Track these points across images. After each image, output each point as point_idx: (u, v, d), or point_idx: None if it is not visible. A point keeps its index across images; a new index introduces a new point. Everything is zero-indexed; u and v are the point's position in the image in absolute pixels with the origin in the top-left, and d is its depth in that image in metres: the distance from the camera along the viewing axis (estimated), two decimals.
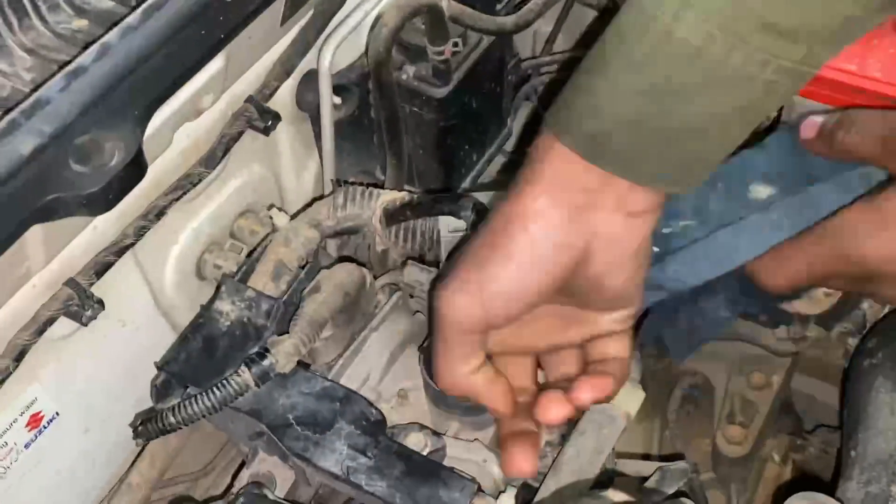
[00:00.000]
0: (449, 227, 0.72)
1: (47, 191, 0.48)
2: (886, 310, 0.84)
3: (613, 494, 0.41)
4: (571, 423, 0.73)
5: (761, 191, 0.70)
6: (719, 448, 0.96)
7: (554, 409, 0.59)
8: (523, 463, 0.61)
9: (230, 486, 0.73)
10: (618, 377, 0.61)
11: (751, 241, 0.68)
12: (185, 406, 0.64)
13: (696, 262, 0.70)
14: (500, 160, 0.99)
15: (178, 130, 0.69)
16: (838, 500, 0.65)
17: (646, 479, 0.70)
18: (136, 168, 0.51)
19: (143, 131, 0.53)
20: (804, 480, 0.94)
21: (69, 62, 0.49)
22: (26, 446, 0.70)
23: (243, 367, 0.64)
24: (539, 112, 1.00)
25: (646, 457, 0.98)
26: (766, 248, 0.67)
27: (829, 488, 0.70)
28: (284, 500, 0.69)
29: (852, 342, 0.90)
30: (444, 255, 0.73)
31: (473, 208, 0.71)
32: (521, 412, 0.62)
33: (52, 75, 0.49)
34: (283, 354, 0.65)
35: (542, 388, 0.64)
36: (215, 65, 0.65)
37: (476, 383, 0.59)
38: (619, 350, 0.62)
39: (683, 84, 0.50)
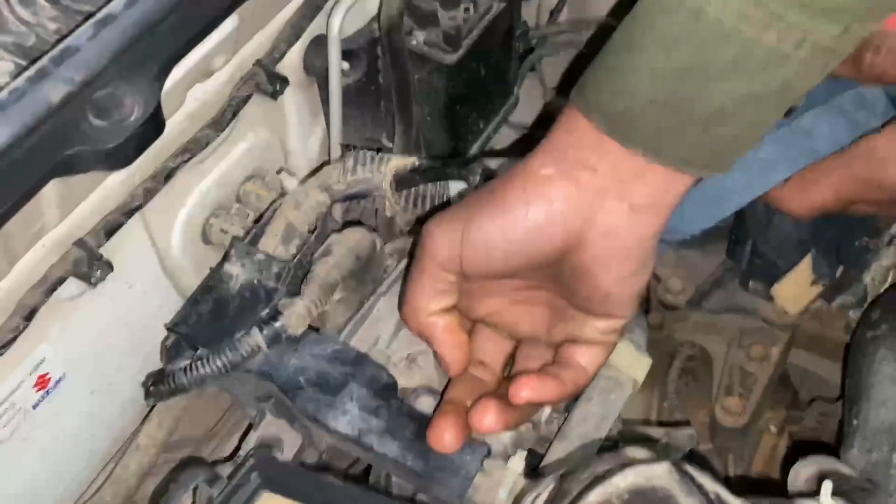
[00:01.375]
0: (459, 192, 0.72)
1: (68, 144, 0.48)
2: (888, 283, 0.85)
3: (633, 451, 0.41)
4: None
5: None
6: (717, 419, 0.97)
7: (488, 418, 0.58)
8: (445, 437, 0.59)
9: (237, 448, 0.73)
10: (569, 388, 0.59)
11: (744, 184, 0.68)
12: (196, 367, 0.64)
13: (689, 212, 0.69)
14: (505, 131, 0.99)
15: (189, 91, 0.68)
16: None
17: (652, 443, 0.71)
18: (154, 124, 0.50)
19: (161, 87, 0.52)
20: (807, 445, 0.95)
21: (94, 12, 0.48)
22: (34, 407, 0.70)
23: (254, 329, 0.64)
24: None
25: (648, 422, 0.99)
26: (761, 191, 0.67)
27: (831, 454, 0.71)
28: (292, 462, 0.69)
29: (853, 315, 0.91)
30: None
31: (482, 174, 0.71)
32: (471, 386, 0.62)
33: (78, 25, 0.48)
34: (294, 317, 0.65)
35: (506, 378, 0.63)
36: (229, 24, 0.64)
37: (435, 324, 0.59)
38: (588, 362, 0.60)
39: (715, 64, 0.49)
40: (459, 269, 0.57)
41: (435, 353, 0.69)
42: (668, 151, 0.52)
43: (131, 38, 0.48)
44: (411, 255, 0.74)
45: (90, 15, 0.48)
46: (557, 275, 0.57)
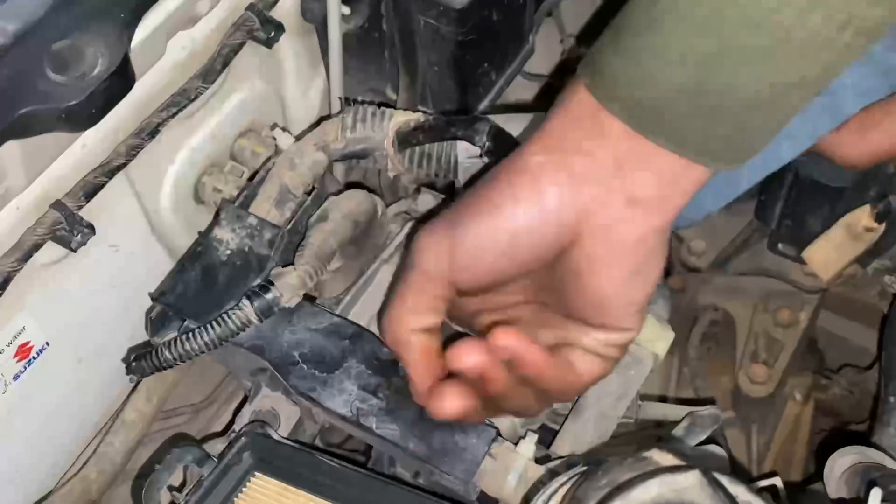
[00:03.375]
0: (468, 152, 0.66)
1: (20, 103, 0.42)
2: None
3: (659, 456, 0.36)
4: None
5: None
6: (741, 387, 0.92)
7: (448, 401, 0.51)
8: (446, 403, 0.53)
9: (231, 422, 0.69)
10: (551, 374, 0.51)
11: (758, 161, 0.61)
12: (181, 341, 0.59)
13: (698, 195, 0.63)
14: (520, 82, 0.92)
15: (172, 39, 0.62)
16: (876, 446, 0.62)
17: (674, 424, 0.66)
18: (121, 78, 0.45)
19: (130, 37, 0.46)
20: (839, 433, 0.91)
21: None
22: (15, 378, 0.66)
23: (245, 301, 0.60)
24: None
25: (663, 399, 0.95)
26: (776, 167, 0.61)
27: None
28: (288, 438, 0.65)
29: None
30: (461, 183, 0.67)
31: (489, 133, 0.64)
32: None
33: None
34: (287, 287, 0.60)
35: None
36: None
37: (411, 343, 0.53)
38: (583, 368, 0.52)
39: (750, 50, 0.44)
40: (448, 283, 0.51)
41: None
42: (693, 144, 0.46)
43: None
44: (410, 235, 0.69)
45: None
46: (552, 283, 0.51)
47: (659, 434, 0.73)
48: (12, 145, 0.47)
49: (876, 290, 0.90)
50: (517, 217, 0.48)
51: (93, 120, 0.46)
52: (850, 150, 0.60)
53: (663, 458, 0.36)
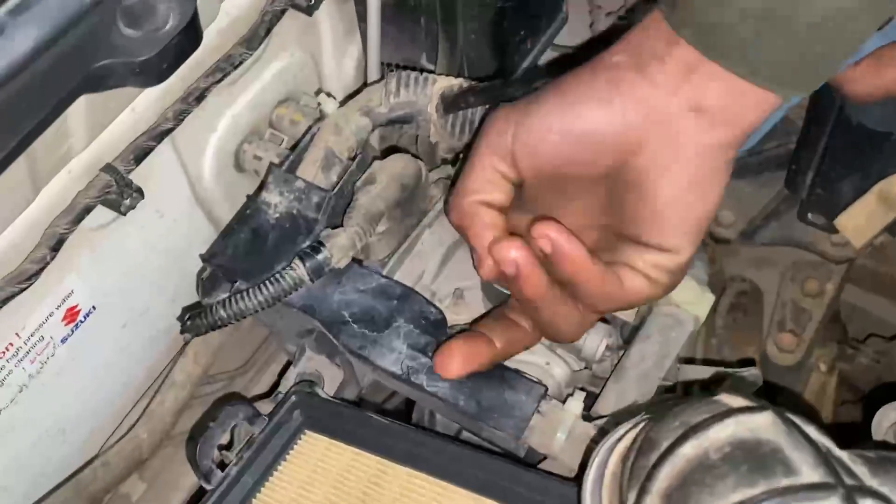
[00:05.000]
0: None
1: (98, 56, 0.43)
2: None
3: (729, 398, 0.37)
4: (635, 327, 0.70)
5: None
6: (769, 356, 0.93)
7: (455, 363, 0.53)
8: (450, 363, 0.56)
9: (276, 384, 0.70)
10: (597, 286, 0.51)
11: None
12: (236, 300, 0.60)
13: None
14: (549, 54, 0.93)
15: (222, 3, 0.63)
16: None
17: (715, 384, 0.67)
18: (191, 34, 0.46)
19: None
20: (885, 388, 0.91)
21: None
22: (63, 341, 0.67)
23: (297, 261, 0.61)
24: None
25: (689, 362, 0.96)
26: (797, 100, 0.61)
27: None
28: (334, 398, 0.66)
29: None
30: None
31: None
32: (506, 330, 0.58)
33: None
34: (338, 248, 0.61)
35: None
36: None
37: (476, 214, 0.53)
38: (630, 285, 0.52)
39: None
40: (511, 161, 0.52)
41: (484, 286, 0.65)
42: (759, 68, 0.47)
43: None
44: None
45: None
46: (609, 200, 0.52)
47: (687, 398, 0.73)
48: (79, 104, 0.48)
49: None
50: (586, 109, 0.49)
51: (164, 75, 0.46)
52: (861, 86, 0.61)
53: (733, 400, 0.37)
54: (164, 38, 0.44)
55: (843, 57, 0.48)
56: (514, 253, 0.50)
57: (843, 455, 0.36)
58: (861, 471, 0.35)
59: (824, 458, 0.34)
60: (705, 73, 0.47)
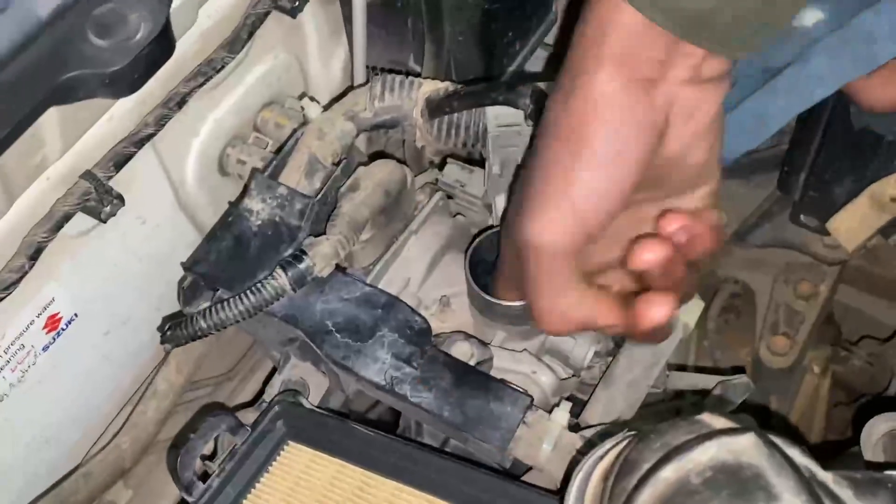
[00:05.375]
0: (497, 120, 0.66)
1: (66, 67, 0.42)
2: None
3: (711, 419, 0.36)
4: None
5: (808, 16, 0.61)
6: (762, 359, 0.93)
7: (648, 251, 0.50)
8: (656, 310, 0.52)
9: (260, 392, 0.69)
10: (707, 233, 0.52)
11: (788, 102, 0.61)
12: (216, 310, 0.59)
13: (732, 134, 0.62)
14: (540, 54, 0.92)
15: (201, 7, 0.62)
16: None
17: (705, 393, 0.66)
18: (164, 43, 0.45)
19: (170, 2, 0.46)
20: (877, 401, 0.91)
21: None
22: (44, 349, 0.66)
23: (279, 270, 0.60)
24: None
25: (681, 368, 0.95)
26: (806, 106, 0.60)
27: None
28: (319, 407, 0.65)
29: None
30: (491, 152, 0.67)
31: (533, 96, 0.64)
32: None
33: None
34: (320, 257, 0.60)
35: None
36: None
37: (589, 308, 0.53)
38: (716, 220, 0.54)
39: None
40: (584, 242, 0.51)
41: (470, 293, 0.64)
42: (739, 43, 0.48)
43: None
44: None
45: None
46: (644, 177, 0.52)
47: (678, 405, 0.73)
48: (52, 113, 0.47)
49: None
50: (622, 146, 0.49)
51: (135, 85, 0.45)
52: (874, 94, 0.60)
53: (716, 420, 0.36)
54: (136, 47, 0.43)
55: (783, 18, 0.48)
56: (654, 253, 0.50)
57: (828, 478, 0.35)
58: (846, 494, 0.34)
59: (806, 484, 0.33)
60: (703, 55, 0.48)
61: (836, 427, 1.02)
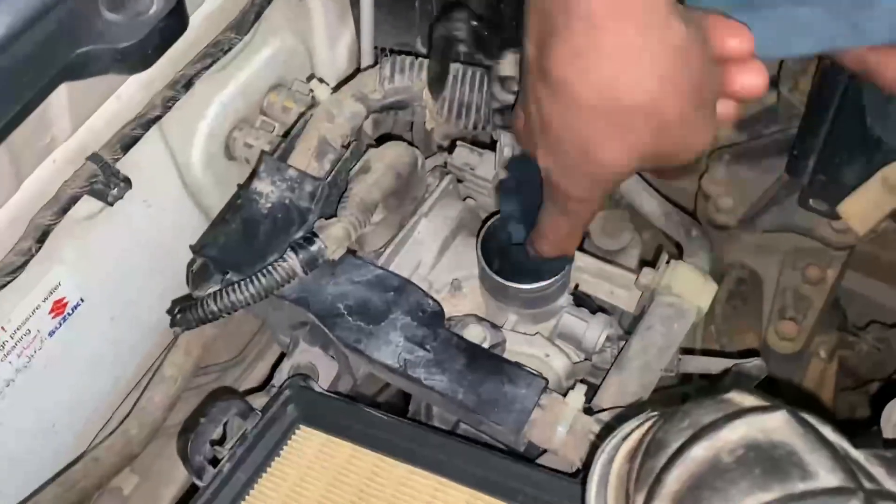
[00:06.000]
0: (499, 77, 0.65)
1: (78, 42, 0.41)
2: None
3: (740, 397, 0.36)
4: (635, 318, 0.68)
5: None
6: (770, 344, 0.92)
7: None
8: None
9: (269, 377, 0.69)
10: None
11: (761, 39, 0.58)
12: (227, 293, 0.58)
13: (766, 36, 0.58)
14: None
15: None
16: None
17: (718, 377, 0.66)
18: (177, 19, 0.44)
19: None
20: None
21: None
22: (50, 334, 0.66)
23: (290, 253, 0.59)
24: None
25: (688, 352, 0.95)
26: (776, 54, 0.57)
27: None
28: (329, 391, 0.64)
29: None
30: (502, 133, 0.66)
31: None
32: None
33: None
34: (332, 239, 0.59)
35: None
36: None
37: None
38: None
39: None
40: None
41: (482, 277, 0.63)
42: None
43: None
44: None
45: None
46: None
47: (685, 391, 0.72)
48: (61, 91, 0.46)
49: None
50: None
51: (149, 61, 0.45)
52: (891, 71, 0.57)
53: (745, 399, 0.36)
54: (149, 22, 0.42)
55: None
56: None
57: (860, 456, 0.34)
58: (878, 472, 0.34)
59: (842, 461, 0.32)
60: None
61: (843, 412, 1.01)
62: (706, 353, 0.94)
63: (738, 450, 0.33)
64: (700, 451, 0.34)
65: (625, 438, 0.40)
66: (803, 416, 0.34)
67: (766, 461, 0.32)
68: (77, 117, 0.54)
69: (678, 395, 0.72)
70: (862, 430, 0.55)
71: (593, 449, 0.53)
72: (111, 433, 0.68)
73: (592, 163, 0.46)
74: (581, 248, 0.87)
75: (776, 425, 0.34)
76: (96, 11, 0.42)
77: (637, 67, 0.43)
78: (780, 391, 0.91)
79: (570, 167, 0.48)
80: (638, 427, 0.40)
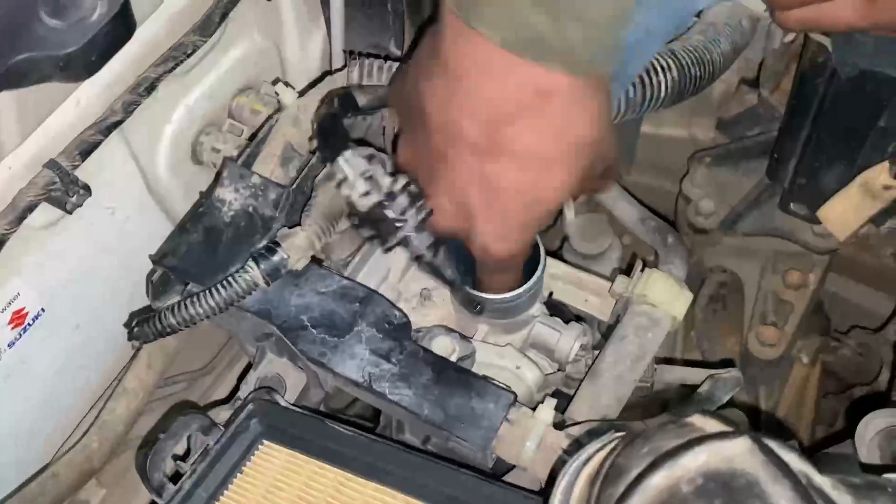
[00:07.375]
0: None
1: (16, 49, 0.39)
2: None
3: (702, 422, 0.34)
4: (610, 326, 0.67)
5: None
6: (751, 350, 0.91)
7: None
8: None
9: (235, 389, 0.67)
10: None
11: None
12: (186, 306, 0.57)
13: None
14: None
15: None
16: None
17: (695, 387, 0.64)
18: (122, 23, 0.42)
19: None
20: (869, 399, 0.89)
21: None
22: (10, 345, 0.64)
23: (251, 263, 0.57)
24: None
25: (668, 360, 0.93)
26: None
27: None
28: (295, 404, 0.63)
29: None
30: None
31: None
32: None
33: None
34: (295, 249, 0.58)
35: None
36: None
37: None
38: None
39: None
40: None
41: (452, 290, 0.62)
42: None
43: None
44: None
45: None
46: None
47: (665, 398, 0.71)
48: (6, 98, 0.44)
49: (890, 251, 0.88)
50: None
51: (93, 68, 0.43)
52: (851, 15, 0.56)
53: (707, 423, 0.34)
54: (92, 27, 0.41)
55: None
56: None
57: (826, 483, 0.33)
58: (845, 501, 0.32)
59: (803, 492, 0.31)
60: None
61: (826, 418, 1.00)
62: (685, 361, 0.93)
63: (697, 479, 0.32)
64: (659, 480, 0.32)
65: (587, 461, 0.39)
66: (766, 442, 0.33)
67: (726, 492, 0.31)
68: (26, 124, 0.52)
69: (659, 401, 0.71)
70: (838, 443, 0.54)
71: (557, 467, 0.51)
72: (71, 447, 0.66)
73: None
74: (558, 254, 0.86)
75: (737, 452, 0.32)
76: (36, 17, 0.40)
77: None
78: (758, 411, 0.90)
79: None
80: (600, 449, 0.39)
